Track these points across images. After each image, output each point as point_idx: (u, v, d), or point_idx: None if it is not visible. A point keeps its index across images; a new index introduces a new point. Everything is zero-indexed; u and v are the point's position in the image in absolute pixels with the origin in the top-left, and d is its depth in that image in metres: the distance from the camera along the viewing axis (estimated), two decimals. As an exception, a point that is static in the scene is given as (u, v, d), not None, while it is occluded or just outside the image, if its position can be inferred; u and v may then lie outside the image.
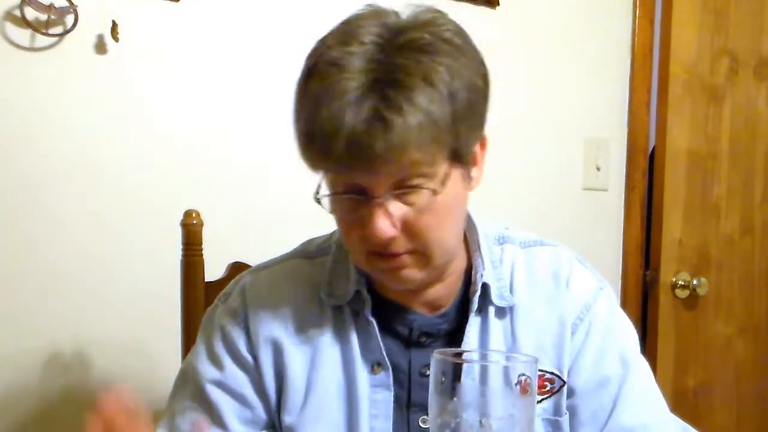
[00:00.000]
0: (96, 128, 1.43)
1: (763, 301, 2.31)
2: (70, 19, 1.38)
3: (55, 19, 1.37)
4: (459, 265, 0.97)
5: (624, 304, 2.14)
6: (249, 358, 0.96)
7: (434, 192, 0.84)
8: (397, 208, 0.84)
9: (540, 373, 0.93)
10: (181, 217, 1.31)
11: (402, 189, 0.83)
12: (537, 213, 1.97)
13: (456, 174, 0.87)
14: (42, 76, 1.38)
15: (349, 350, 0.94)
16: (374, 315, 0.94)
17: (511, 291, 0.97)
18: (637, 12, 2.13)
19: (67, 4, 1.37)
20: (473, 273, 0.96)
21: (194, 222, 1.30)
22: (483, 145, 0.92)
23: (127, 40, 1.44)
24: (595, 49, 2.07)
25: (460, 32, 0.86)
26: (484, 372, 0.70)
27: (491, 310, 0.96)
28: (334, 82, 0.80)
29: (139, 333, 1.47)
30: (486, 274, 0.95)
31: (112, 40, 1.42)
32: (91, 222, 1.43)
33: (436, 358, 0.70)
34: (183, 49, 1.51)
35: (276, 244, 1.08)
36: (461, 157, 0.86)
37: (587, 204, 2.09)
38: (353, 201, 0.85)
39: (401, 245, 0.86)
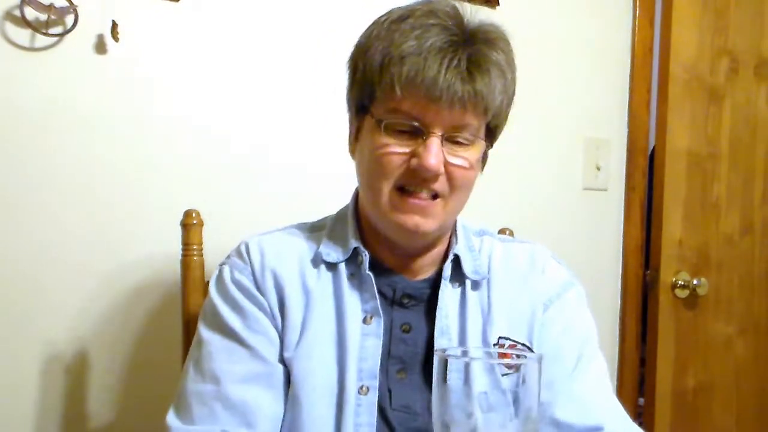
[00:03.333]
0: (96, 128, 1.42)
1: (763, 301, 2.31)
2: (70, 19, 1.38)
3: (55, 19, 1.37)
4: (445, 241, 1.09)
5: (624, 304, 2.14)
6: (260, 297, 1.03)
7: (474, 153, 0.99)
8: (447, 151, 0.97)
9: (513, 343, 1.04)
10: (181, 217, 1.31)
11: (452, 140, 0.97)
12: (537, 213, 1.97)
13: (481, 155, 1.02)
14: (42, 76, 1.38)
15: (342, 305, 1.02)
16: None
17: (489, 271, 1.09)
18: (637, 12, 2.12)
19: (67, 4, 1.37)
20: (449, 250, 1.08)
21: (194, 222, 1.30)
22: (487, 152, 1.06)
23: (127, 40, 1.44)
24: (595, 49, 2.07)
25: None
26: (470, 368, 0.71)
27: (468, 283, 1.07)
28: (433, 24, 0.94)
29: (139, 333, 1.47)
30: (459, 248, 1.07)
31: (112, 40, 1.42)
32: (90, 222, 1.42)
33: (438, 355, 0.71)
34: (183, 49, 1.51)
35: (276, 243, 1.08)
36: (491, 140, 1.04)
37: (587, 204, 2.08)
38: (407, 134, 0.97)
39: (437, 184, 0.98)
